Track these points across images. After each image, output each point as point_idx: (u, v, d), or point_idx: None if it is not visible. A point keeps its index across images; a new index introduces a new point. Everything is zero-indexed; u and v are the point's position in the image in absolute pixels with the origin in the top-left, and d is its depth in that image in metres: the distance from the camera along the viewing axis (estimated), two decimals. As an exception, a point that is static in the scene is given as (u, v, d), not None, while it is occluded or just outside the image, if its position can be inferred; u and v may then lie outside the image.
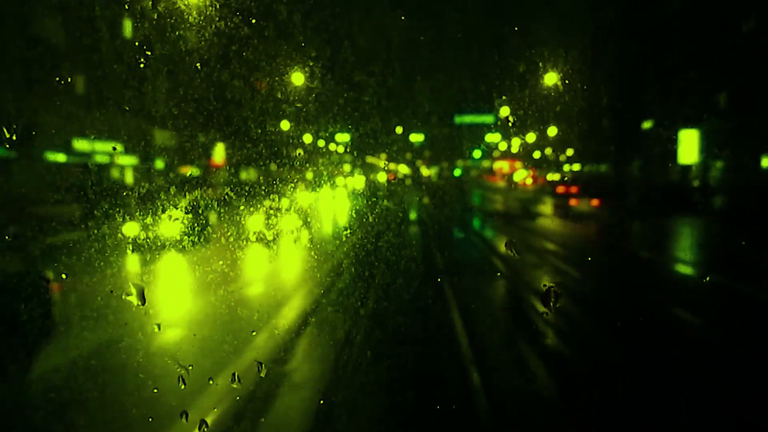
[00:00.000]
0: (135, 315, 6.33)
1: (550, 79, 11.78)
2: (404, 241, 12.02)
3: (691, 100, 19.37)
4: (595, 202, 21.04)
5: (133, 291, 5.27)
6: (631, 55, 20.45)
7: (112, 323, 6.56)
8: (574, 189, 25.73)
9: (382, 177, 25.30)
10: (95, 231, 7.28)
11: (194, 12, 7.15)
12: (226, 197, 9.00)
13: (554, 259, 12.66)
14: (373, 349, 6.62)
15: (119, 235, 7.47)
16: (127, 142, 13.13)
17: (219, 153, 14.24)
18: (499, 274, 11.11)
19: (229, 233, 7.83)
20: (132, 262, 8.70)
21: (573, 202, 20.85)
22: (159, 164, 13.88)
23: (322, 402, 5.21)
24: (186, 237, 6.54)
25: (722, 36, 17.97)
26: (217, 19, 7.35)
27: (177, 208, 6.85)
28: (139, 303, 5.40)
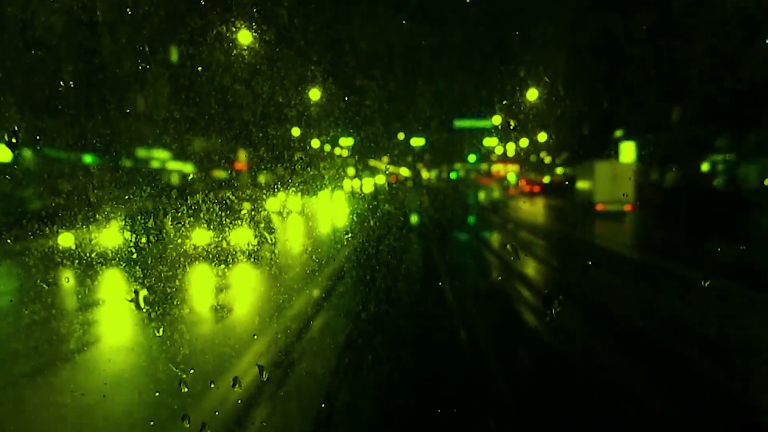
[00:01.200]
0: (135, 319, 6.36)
1: (532, 94, 13.86)
2: (406, 225, 16.25)
3: (642, 115, 24.05)
4: (513, 191, 33.87)
5: (134, 295, 5.31)
6: (604, 70, 23.83)
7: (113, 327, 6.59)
8: (536, 189, 36.34)
9: (381, 179, 26.87)
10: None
11: (223, 34, 8.05)
12: (227, 201, 9.03)
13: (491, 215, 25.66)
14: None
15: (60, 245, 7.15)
16: (175, 150, 16.47)
17: (241, 158, 16.36)
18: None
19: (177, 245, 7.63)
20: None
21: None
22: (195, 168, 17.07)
23: (323, 406, 5.21)
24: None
25: (664, 62, 21.54)
26: (244, 41, 8.25)
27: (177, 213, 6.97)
28: (142, 307, 5.43)
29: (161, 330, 5.62)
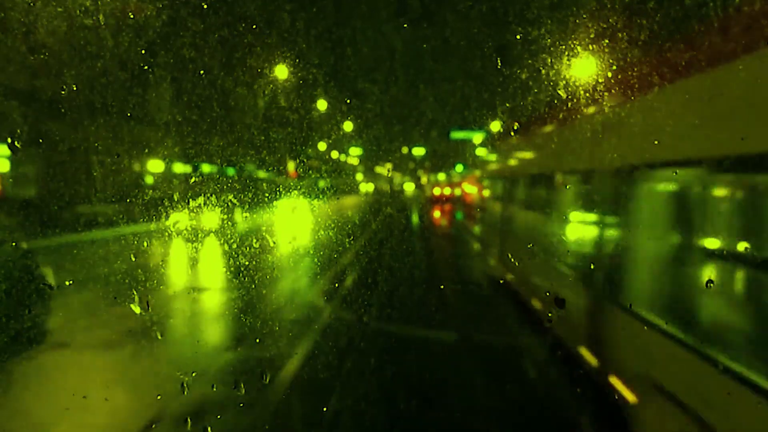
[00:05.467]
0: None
1: (495, 126, 15.90)
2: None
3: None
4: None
5: (136, 299, 5.29)
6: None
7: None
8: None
9: (409, 187, 41.73)
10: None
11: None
12: (229, 203, 9.09)
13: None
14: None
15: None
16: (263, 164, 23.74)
17: (291, 167, 23.96)
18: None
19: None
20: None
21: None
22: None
23: (325, 409, 5.17)
24: None
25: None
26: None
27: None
28: (142, 311, 5.41)
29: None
